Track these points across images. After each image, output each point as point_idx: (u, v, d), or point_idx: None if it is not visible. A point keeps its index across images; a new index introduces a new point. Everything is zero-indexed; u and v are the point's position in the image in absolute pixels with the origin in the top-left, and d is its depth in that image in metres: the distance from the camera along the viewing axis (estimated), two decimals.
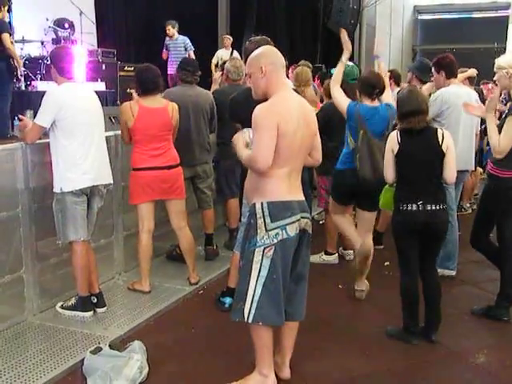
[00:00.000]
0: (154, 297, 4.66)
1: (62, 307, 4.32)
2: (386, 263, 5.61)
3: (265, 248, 3.09)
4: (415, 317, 3.97)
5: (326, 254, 5.71)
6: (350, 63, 5.76)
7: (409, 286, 3.94)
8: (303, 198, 3.27)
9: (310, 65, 7.66)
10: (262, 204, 3.11)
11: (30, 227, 4.15)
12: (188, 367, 3.58)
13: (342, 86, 4.69)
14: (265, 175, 3.09)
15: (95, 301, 4.33)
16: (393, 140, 3.88)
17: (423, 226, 3.83)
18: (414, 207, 3.79)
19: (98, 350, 3.54)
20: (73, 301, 4.29)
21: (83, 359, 3.52)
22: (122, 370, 3.32)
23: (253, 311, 3.12)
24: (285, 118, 3.06)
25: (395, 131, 3.93)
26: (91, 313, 4.27)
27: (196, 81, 5.32)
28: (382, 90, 4.56)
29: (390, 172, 3.93)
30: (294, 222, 3.12)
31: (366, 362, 3.74)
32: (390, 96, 4.74)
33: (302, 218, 3.19)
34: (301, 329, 4.15)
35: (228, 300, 4.38)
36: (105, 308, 4.36)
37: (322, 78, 6.82)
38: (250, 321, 3.14)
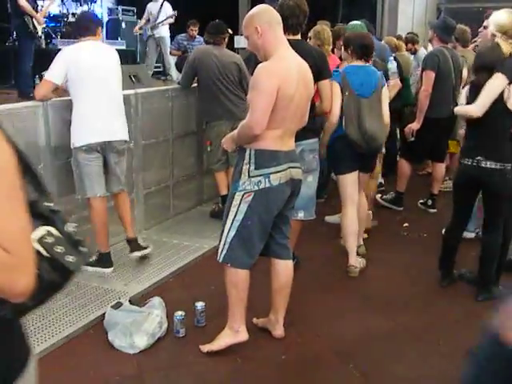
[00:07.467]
0: (173, 254, 4.73)
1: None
2: (404, 224, 5.61)
3: (244, 193, 3.12)
4: (447, 265, 4.25)
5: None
6: (358, 22, 5.68)
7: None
8: (292, 148, 3.25)
9: (329, 24, 7.49)
10: (250, 150, 3.11)
11: (52, 184, 4.19)
12: (207, 323, 3.64)
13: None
14: (257, 138, 3.07)
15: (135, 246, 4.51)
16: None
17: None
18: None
19: (118, 305, 3.61)
20: (94, 257, 4.35)
21: (104, 314, 3.60)
22: (141, 325, 3.39)
23: (224, 251, 3.21)
24: (285, 80, 3.04)
25: None
26: (111, 269, 4.35)
27: (219, 42, 5.47)
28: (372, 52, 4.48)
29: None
30: (278, 172, 3.11)
31: (383, 320, 3.77)
32: None
33: (290, 168, 3.17)
34: (317, 289, 4.21)
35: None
36: (149, 249, 4.55)
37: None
38: (220, 260, 3.24)
